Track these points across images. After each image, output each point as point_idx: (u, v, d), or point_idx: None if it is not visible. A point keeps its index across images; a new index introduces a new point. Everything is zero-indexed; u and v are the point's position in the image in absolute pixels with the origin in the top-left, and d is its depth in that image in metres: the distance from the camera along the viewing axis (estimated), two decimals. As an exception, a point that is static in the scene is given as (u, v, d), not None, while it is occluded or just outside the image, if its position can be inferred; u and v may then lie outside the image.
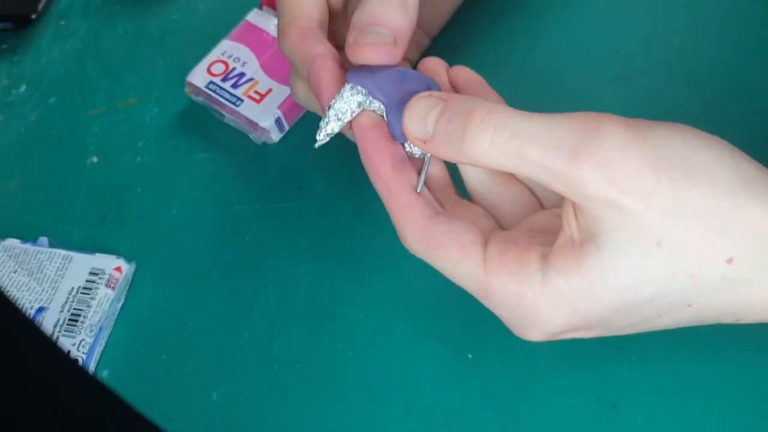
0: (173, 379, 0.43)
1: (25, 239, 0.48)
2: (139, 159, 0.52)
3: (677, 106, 0.47)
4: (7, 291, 0.45)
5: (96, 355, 0.44)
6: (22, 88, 0.58)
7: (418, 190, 0.34)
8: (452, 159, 0.32)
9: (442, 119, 0.31)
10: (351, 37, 0.34)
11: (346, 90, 0.35)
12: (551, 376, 0.40)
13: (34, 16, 0.60)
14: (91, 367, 0.44)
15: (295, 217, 0.48)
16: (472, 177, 0.36)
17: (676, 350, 0.39)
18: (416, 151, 0.35)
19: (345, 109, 0.35)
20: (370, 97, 0.35)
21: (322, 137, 0.36)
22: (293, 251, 0.46)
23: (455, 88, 0.37)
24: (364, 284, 0.44)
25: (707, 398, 0.38)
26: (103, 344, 0.45)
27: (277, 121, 0.50)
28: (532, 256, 0.31)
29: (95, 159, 0.53)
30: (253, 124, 0.50)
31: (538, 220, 0.35)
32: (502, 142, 0.29)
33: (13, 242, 0.48)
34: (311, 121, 0.52)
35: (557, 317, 0.31)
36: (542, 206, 0.37)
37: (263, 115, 0.50)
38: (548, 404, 0.39)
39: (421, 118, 0.31)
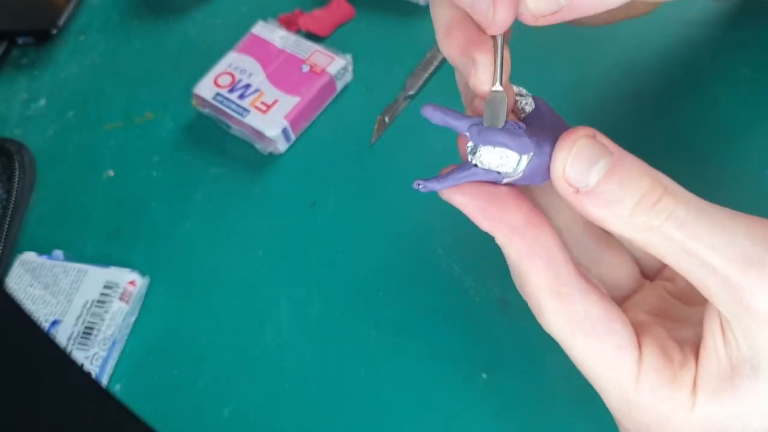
0: (185, 394, 0.43)
1: (41, 252, 0.48)
2: (154, 173, 0.53)
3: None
4: (23, 304, 0.45)
5: (109, 369, 0.44)
6: (41, 102, 0.58)
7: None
8: (604, 222, 0.28)
9: (614, 178, 0.27)
10: None
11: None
12: (566, 398, 0.39)
13: (54, 32, 0.61)
14: (104, 381, 0.44)
15: (309, 233, 0.48)
16: (572, 229, 0.32)
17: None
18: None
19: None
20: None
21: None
22: (306, 267, 0.46)
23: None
24: (377, 302, 0.44)
25: None
26: (116, 358, 0.45)
27: (284, 131, 0.50)
28: (687, 378, 0.28)
29: (111, 173, 0.53)
30: (260, 135, 0.50)
31: (649, 301, 0.32)
32: (671, 230, 0.26)
33: (29, 256, 0.48)
34: (317, 131, 0.52)
35: None
36: (642, 274, 0.34)
37: (270, 126, 0.50)
38: (563, 425, 0.39)
39: (586, 164, 0.27)
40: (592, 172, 0.27)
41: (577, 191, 0.27)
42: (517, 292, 0.44)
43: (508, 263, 0.29)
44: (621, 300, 0.33)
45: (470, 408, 0.40)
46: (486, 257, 0.44)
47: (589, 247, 0.33)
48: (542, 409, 0.39)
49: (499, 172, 0.28)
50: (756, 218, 0.26)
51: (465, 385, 0.41)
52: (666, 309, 0.31)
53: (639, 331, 0.29)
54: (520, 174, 0.28)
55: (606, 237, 0.33)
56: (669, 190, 0.26)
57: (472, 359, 0.41)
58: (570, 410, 0.39)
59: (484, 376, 0.41)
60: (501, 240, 0.28)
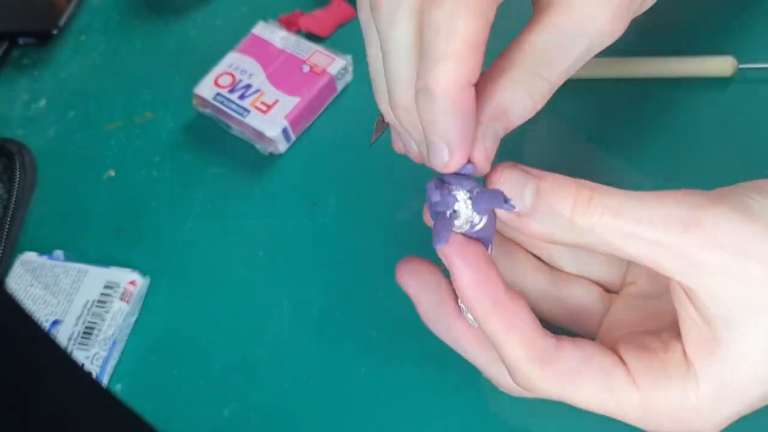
0: (185, 394, 0.43)
1: (41, 252, 0.49)
2: (155, 173, 0.53)
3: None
4: (24, 304, 0.45)
5: (110, 369, 0.44)
6: (42, 103, 0.58)
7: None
8: (549, 236, 0.29)
9: (544, 193, 0.29)
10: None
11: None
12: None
13: (55, 32, 0.61)
14: (105, 381, 0.44)
15: (309, 233, 0.48)
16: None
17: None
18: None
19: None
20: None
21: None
22: (307, 267, 0.47)
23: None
24: (378, 302, 0.44)
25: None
26: (117, 358, 0.45)
27: (284, 131, 0.50)
28: (676, 357, 0.29)
29: (112, 173, 0.53)
30: (260, 135, 0.50)
31: (622, 314, 0.33)
32: (610, 220, 0.28)
33: (30, 256, 0.48)
34: (318, 131, 0.52)
35: (722, 410, 0.28)
36: (607, 291, 0.35)
37: (270, 126, 0.50)
38: (562, 424, 0.39)
39: (518, 189, 0.29)
40: (525, 194, 0.29)
41: (519, 216, 0.29)
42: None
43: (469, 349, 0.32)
44: (596, 324, 0.34)
45: (470, 408, 0.40)
46: (486, 257, 0.44)
47: (553, 289, 0.34)
48: (541, 410, 0.39)
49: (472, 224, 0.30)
50: (679, 190, 0.28)
51: (465, 386, 0.41)
52: (638, 312, 0.32)
53: (615, 346, 0.30)
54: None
55: (562, 275, 0.34)
56: (596, 188, 0.29)
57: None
58: (570, 410, 0.39)
59: (484, 379, 0.41)
60: (481, 314, 0.29)
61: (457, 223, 0.29)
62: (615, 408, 0.29)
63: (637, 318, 0.33)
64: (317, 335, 0.44)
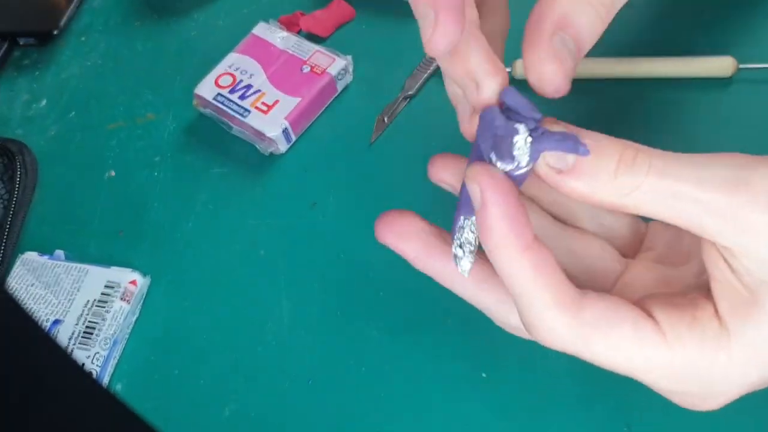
0: (186, 393, 0.43)
1: (42, 252, 0.49)
2: (156, 174, 0.53)
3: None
4: (24, 304, 0.45)
5: (110, 368, 0.44)
6: (43, 103, 0.59)
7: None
8: (590, 195, 0.28)
9: (590, 151, 0.27)
10: (537, 27, 0.27)
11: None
12: (566, 396, 0.39)
13: (55, 33, 0.61)
14: (106, 380, 0.44)
15: (309, 233, 0.48)
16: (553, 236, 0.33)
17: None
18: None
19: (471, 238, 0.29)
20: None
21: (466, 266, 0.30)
22: (306, 267, 0.47)
23: None
24: (378, 301, 0.44)
25: (717, 420, 0.38)
26: (118, 357, 0.45)
27: (284, 131, 0.50)
28: (707, 314, 0.28)
29: (113, 173, 0.53)
30: (261, 135, 0.50)
31: (639, 276, 0.32)
32: (655, 179, 0.27)
33: (31, 256, 0.48)
34: (318, 131, 0.53)
35: (751, 373, 0.28)
36: (626, 254, 0.34)
37: (270, 126, 0.50)
38: (563, 423, 0.39)
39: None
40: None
41: (560, 173, 0.27)
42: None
43: (507, 286, 0.28)
44: (611, 284, 0.33)
45: (470, 407, 0.40)
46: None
47: (569, 244, 0.33)
48: (542, 408, 0.39)
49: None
50: (726, 152, 0.27)
51: (465, 384, 0.41)
52: (656, 276, 0.32)
53: (644, 304, 0.29)
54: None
55: (578, 232, 0.33)
56: (640, 148, 0.27)
57: (471, 358, 0.41)
58: (569, 409, 0.39)
59: (483, 375, 0.41)
60: (508, 255, 0.27)
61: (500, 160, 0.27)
62: (642, 362, 0.28)
63: (656, 280, 0.32)
64: (317, 335, 0.44)
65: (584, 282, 0.33)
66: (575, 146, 0.27)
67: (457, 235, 0.29)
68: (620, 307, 0.28)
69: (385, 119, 0.51)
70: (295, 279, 0.46)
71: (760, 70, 0.46)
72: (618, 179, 0.27)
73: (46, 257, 0.48)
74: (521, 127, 0.27)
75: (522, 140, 0.27)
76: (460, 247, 0.29)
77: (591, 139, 0.28)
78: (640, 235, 0.35)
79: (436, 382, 0.41)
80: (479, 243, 0.29)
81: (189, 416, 0.43)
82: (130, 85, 0.58)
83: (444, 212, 0.46)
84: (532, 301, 0.28)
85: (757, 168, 0.26)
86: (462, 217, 0.29)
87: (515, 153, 0.27)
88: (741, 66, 0.46)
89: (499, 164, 0.27)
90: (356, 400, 0.41)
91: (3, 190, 0.53)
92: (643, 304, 0.29)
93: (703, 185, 0.26)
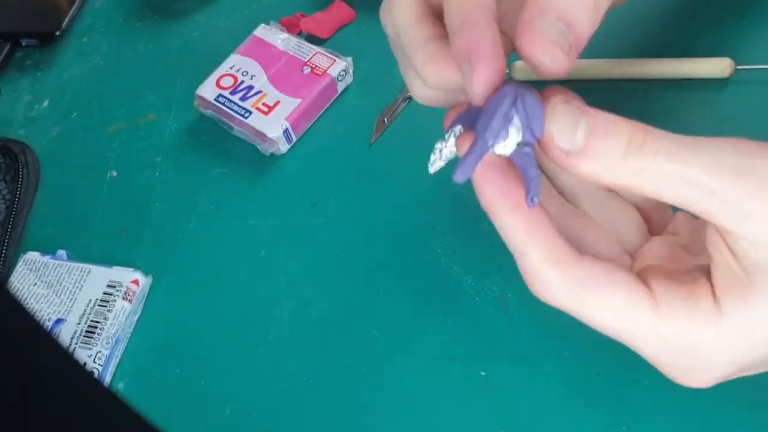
0: (187, 393, 0.44)
1: (44, 252, 0.49)
2: (157, 174, 0.53)
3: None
4: (27, 303, 0.45)
5: (112, 367, 0.45)
6: (45, 104, 0.59)
7: (532, 204, 0.29)
8: (598, 177, 0.29)
9: (598, 133, 0.28)
10: (527, 16, 0.28)
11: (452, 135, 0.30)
12: (564, 394, 0.40)
13: (57, 34, 0.61)
14: (107, 379, 0.44)
15: (310, 233, 0.48)
16: (584, 195, 0.34)
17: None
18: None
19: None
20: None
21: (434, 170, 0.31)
22: (307, 267, 0.47)
23: None
24: (378, 301, 0.45)
25: (717, 420, 0.38)
26: (119, 356, 0.45)
27: (285, 132, 0.51)
28: (704, 291, 0.28)
29: (114, 173, 0.54)
30: (262, 135, 0.51)
31: (656, 249, 0.33)
32: (664, 162, 0.27)
33: (33, 255, 0.49)
34: (318, 132, 0.53)
35: (737, 354, 0.28)
36: (651, 231, 0.35)
37: (271, 126, 0.50)
38: (561, 422, 0.39)
39: (570, 127, 0.28)
40: (577, 132, 0.28)
41: (569, 154, 0.28)
42: (515, 290, 0.44)
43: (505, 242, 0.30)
44: (631, 252, 0.33)
45: (469, 406, 0.40)
46: (485, 256, 0.44)
47: (600, 199, 0.34)
48: (541, 407, 0.40)
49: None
50: (733, 137, 0.27)
51: (464, 383, 0.41)
52: (672, 255, 0.32)
53: (644, 273, 0.30)
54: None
55: (617, 197, 0.34)
56: (650, 131, 0.28)
57: (471, 357, 0.42)
58: (569, 409, 0.39)
59: (482, 373, 0.41)
60: (500, 214, 0.29)
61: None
62: (630, 326, 0.29)
63: (668, 256, 0.32)
64: (317, 334, 0.44)
65: (607, 243, 0.33)
66: (534, 182, 0.28)
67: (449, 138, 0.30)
68: (616, 271, 0.29)
69: (385, 120, 0.52)
70: (295, 279, 0.46)
71: (757, 71, 0.47)
72: (627, 161, 0.28)
73: (48, 257, 0.49)
74: (513, 133, 0.28)
75: (511, 143, 0.28)
76: (440, 152, 0.31)
77: (601, 120, 0.28)
78: (665, 214, 0.35)
79: (436, 382, 0.41)
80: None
81: (190, 415, 0.43)
82: (131, 85, 0.58)
83: (444, 212, 0.47)
84: (526, 255, 0.29)
85: (762, 156, 0.27)
86: (459, 126, 0.30)
87: (497, 148, 0.28)
88: (738, 67, 0.46)
89: (489, 140, 0.28)
90: (356, 400, 0.42)
91: (5, 191, 0.53)
92: (643, 273, 0.30)
93: (710, 171, 0.27)
